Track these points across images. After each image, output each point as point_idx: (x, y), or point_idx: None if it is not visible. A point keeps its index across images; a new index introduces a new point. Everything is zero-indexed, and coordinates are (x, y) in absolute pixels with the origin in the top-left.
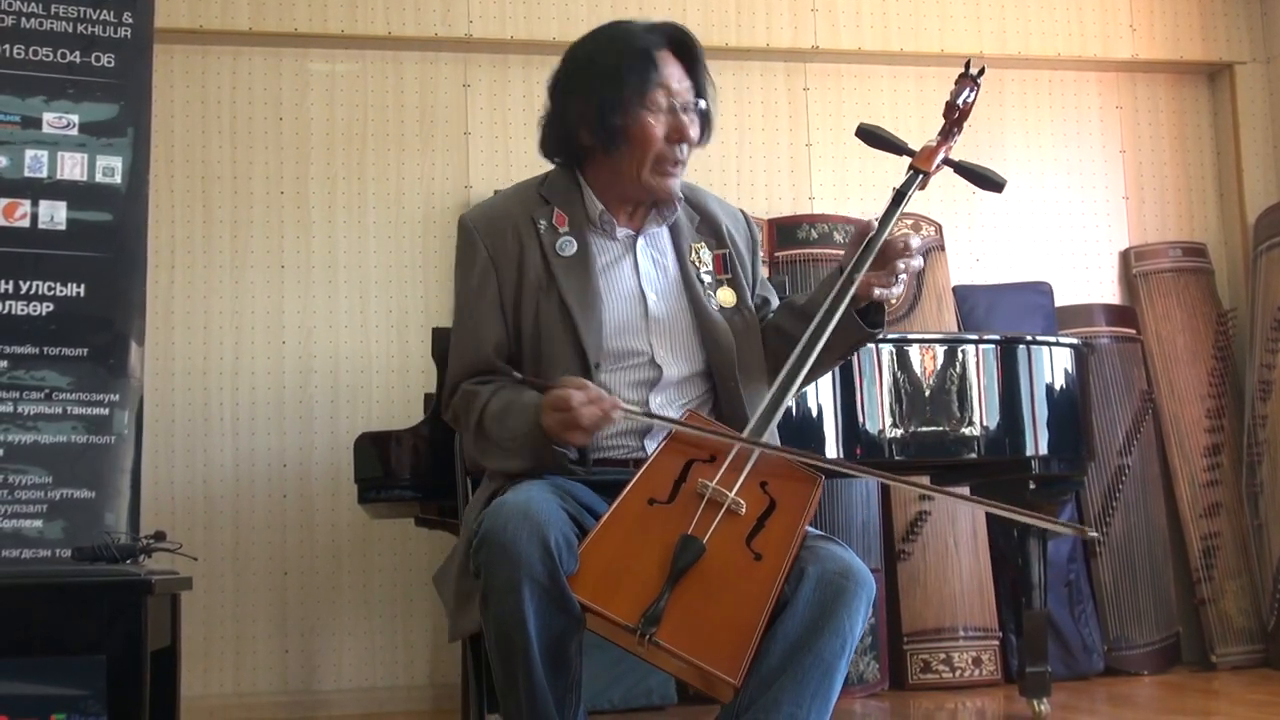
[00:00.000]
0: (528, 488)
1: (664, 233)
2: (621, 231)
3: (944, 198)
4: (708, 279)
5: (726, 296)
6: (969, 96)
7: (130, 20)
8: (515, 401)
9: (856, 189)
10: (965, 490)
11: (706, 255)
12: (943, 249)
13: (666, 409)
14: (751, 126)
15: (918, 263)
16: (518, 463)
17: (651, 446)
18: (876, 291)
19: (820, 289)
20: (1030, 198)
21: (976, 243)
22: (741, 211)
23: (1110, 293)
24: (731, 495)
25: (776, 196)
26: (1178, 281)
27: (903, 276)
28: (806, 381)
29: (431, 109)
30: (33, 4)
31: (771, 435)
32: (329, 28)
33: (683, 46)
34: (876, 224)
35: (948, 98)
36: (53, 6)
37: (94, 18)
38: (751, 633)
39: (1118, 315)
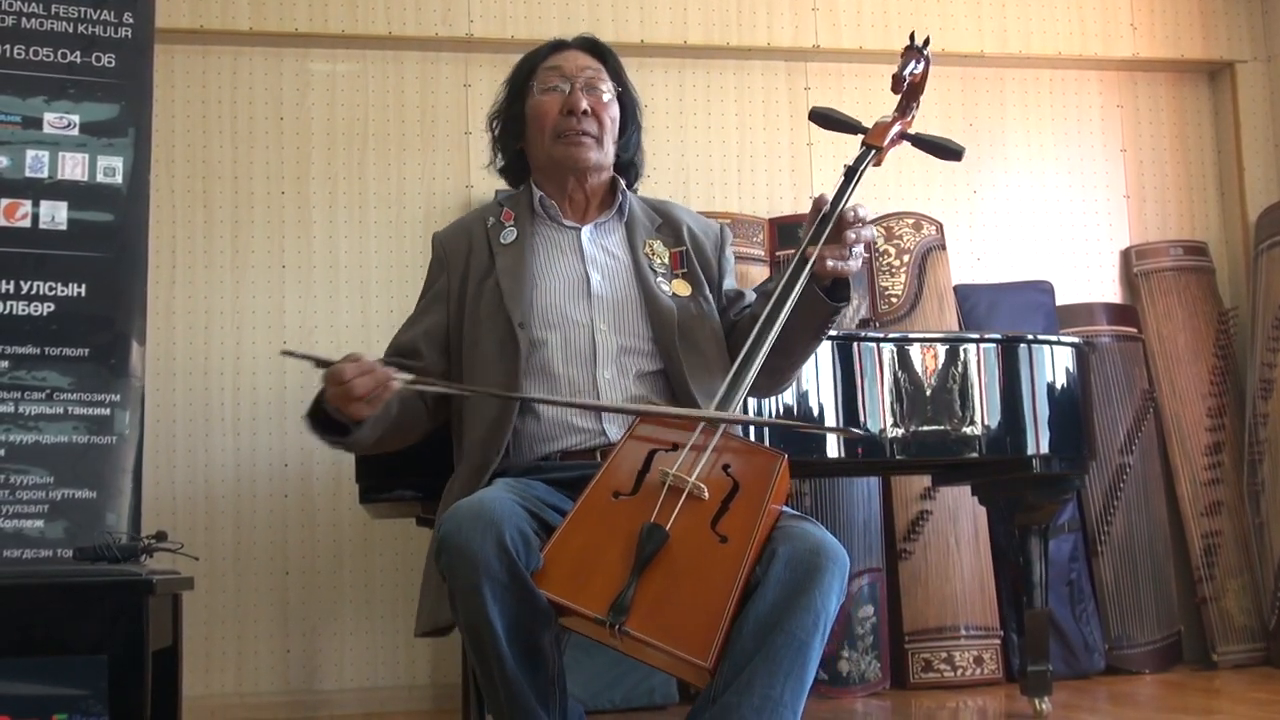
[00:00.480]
0: (484, 490)
1: (618, 228)
2: (568, 222)
3: (945, 196)
4: (661, 270)
5: (680, 287)
6: (915, 68)
7: (131, 20)
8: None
9: (859, 188)
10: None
11: (661, 249)
12: (944, 248)
13: (617, 386)
14: (752, 126)
15: (869, 232)
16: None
17: (612, 428)
18: (830, 264)
19: (783, 269)
20: (1031, 197)
21: (977, 242)
22: (721, 224)
23: (1111, 292)
24: (692, 480)
25: (778, 196)
26: (1179, 280)
27: (857, 249)
28: (788, 366)
29: (432, 109)
30: (33, 4)
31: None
32: (330, 28)
33: (589, 44)
34: (829, 199)
35: (894, 70)
36: (53, 6)
37: (94, 18)
38: (720, 615)
39: (1119, 314)
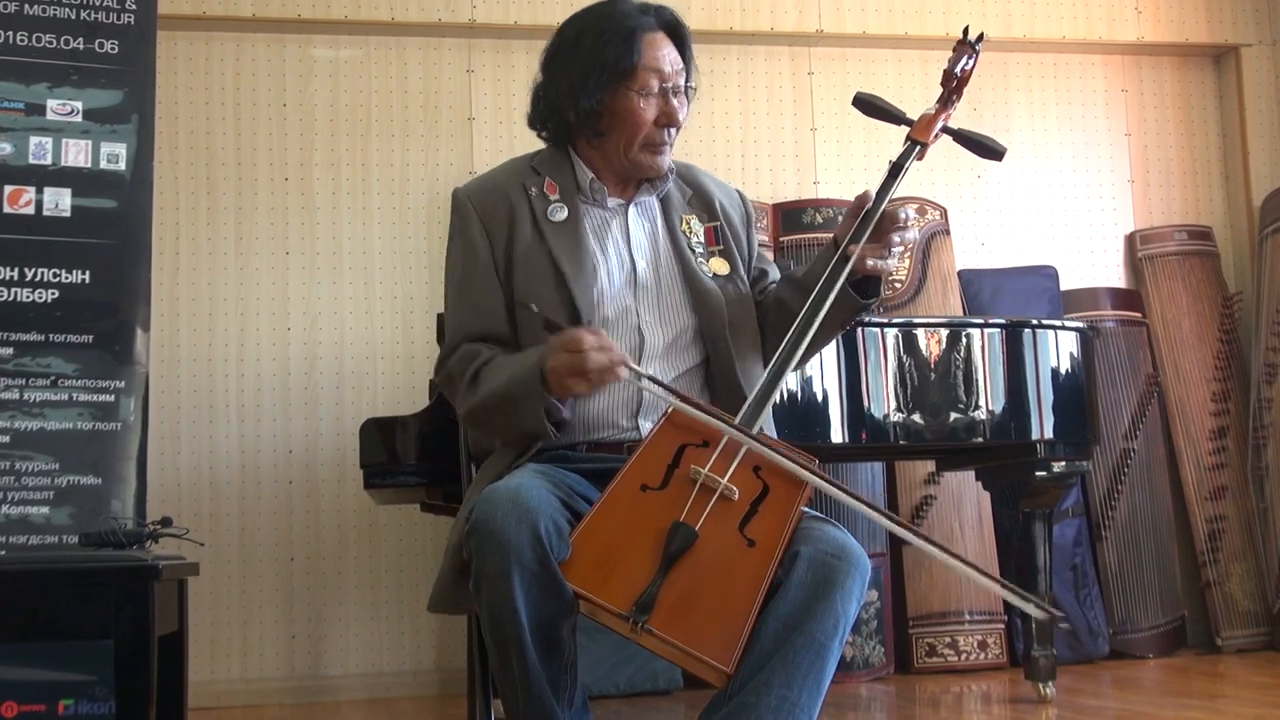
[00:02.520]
0: (518, 475)
1: (654, 204)
2: (612, 201)
3: (949, 181)
4: (699, 249)
5: (719, 265)
6: (967, 64)
7: (133, 6)
8: (518, 356)
9: (861, 173)
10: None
11: (698, 226)
12: (948, 233)
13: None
14: (756, 111)
15: (912, 235)
16: (500, 420)
17: (646, 425)
18: (870, 263)
19: (817, 262)
20: (1035, 181)
21: (981, 226)
22: (737, 190)
23: (1116, 276)
24: (724, 481)
25: (781, 181)
26: (1183, 265)
27: (898, 249)
28: (806, 357)
29: (435, 94)
30: None
31: (766, 420)
32: (332, 13)
33: (674, 27)
34: (873, 196)
35: (945, 65)
36: None
37: (97, 4)
38: (744, 620)
39: (1123, 299)
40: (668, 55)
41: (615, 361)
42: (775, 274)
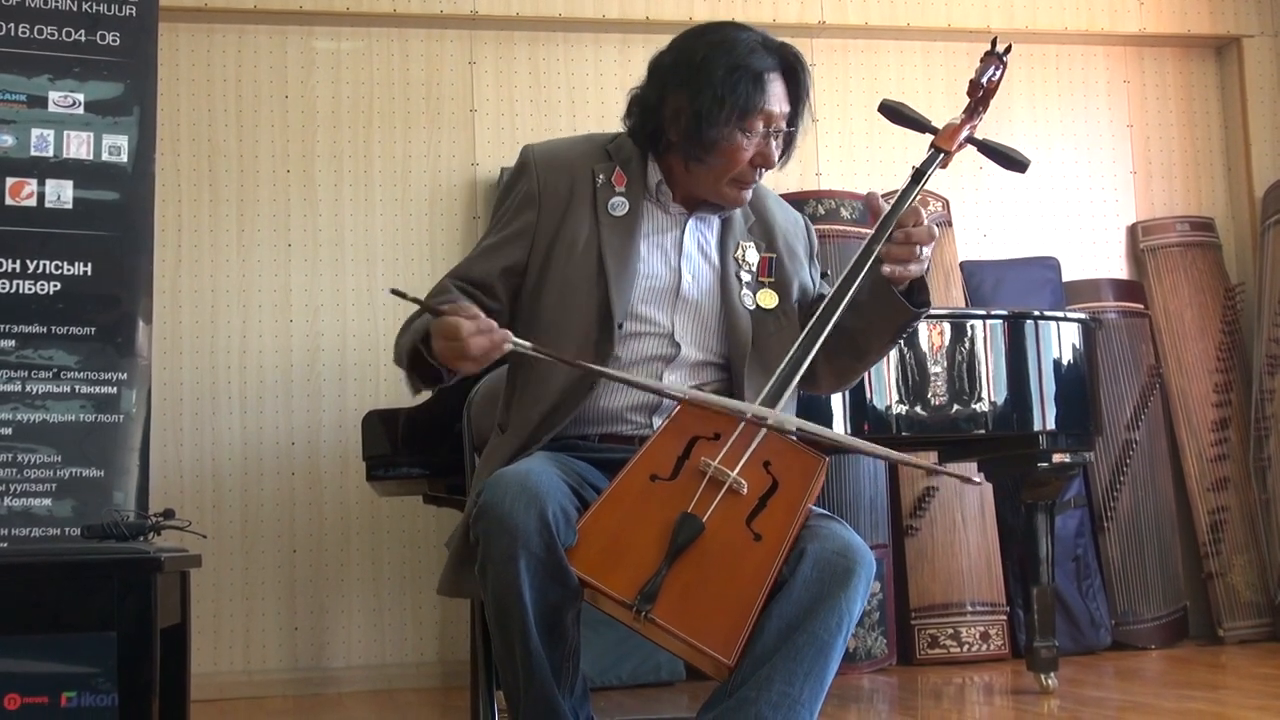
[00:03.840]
0: (528, 461)
1: (715, 223)
2: (675, 208)
3: (951, 173)
4: (747, 278)
5: (766, 299)
6: (994, 75)
7: None
8: (416, 325)
9: (863, 165)
10: (973, 469)
11: (753, 255)
12: (950, 224)
13: (681, 388)
14: None
15: (929, 235)
16: (404, 368)
17: (659, 423)
18: (885, 269)
19: (844, 269)
20: (1037, 173)
21: (984, 218)
22: (804, 218)
23: (1118, 268)
24: (733, 474)
25: (783, 172)
26: (1185, 256)
27: (925, 251)
28: (860, 365)
29: (437, 86)
30: None
31: (788, 409)
32: (334, 5)
33: (793, 71)
34: (879, 199)
35: (973, 75)
36: None
37: None
38: (748, 613)
39: (1125, 290)
40: (778, 96)
41: (497, 342)
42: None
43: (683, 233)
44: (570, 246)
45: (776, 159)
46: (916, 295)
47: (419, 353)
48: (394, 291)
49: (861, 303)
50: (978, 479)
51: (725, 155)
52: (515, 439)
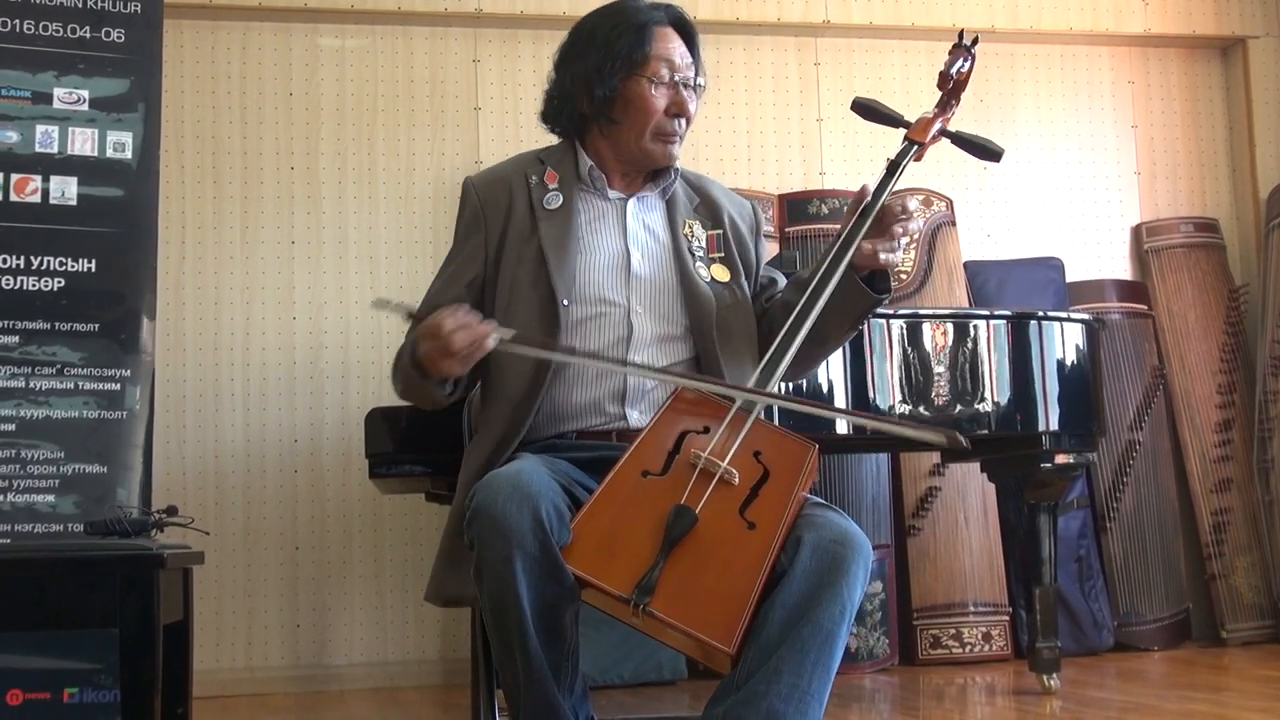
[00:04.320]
0: (519, 461)
1: (659, 204)
2: (613, 193)
3: (955, 172)
4: (699, 253)
5: (719, 272)
6: (963, 66)
7: None
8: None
9: (868, 164)
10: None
11: (700, 232)
12: (954, 224)
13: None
14: (762, 101)
15: (915, 225)
16: (408, 395)
17: (633, 414)
18: (882, 257)
19: (821, 259)
20: (1042, 173)
21: (988, 218)
22: (751, 202)
23: (1122, 268)
24: (724, 465)
25: (787, 172)
26: (1189, 257)
27: (903, 241)
28: (820, 353)
29: (442, 84)
30: None
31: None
32: (339, 3)
33: (683, 25)
34: (872, 191)
35: (941, 68)
36: None
37: None
38: (745, 601)
39: (1129, 291)
40: (678, 48)
41: (480, 336)
42: (784, 282)
43: (624, 214)
44: (515, 248)
45: (693, 110)
46: (879, 283)
47: (410, 388)
48: (378, 302)
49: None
50: (940, 438)
51: (637, 108)
52: (487, 442)
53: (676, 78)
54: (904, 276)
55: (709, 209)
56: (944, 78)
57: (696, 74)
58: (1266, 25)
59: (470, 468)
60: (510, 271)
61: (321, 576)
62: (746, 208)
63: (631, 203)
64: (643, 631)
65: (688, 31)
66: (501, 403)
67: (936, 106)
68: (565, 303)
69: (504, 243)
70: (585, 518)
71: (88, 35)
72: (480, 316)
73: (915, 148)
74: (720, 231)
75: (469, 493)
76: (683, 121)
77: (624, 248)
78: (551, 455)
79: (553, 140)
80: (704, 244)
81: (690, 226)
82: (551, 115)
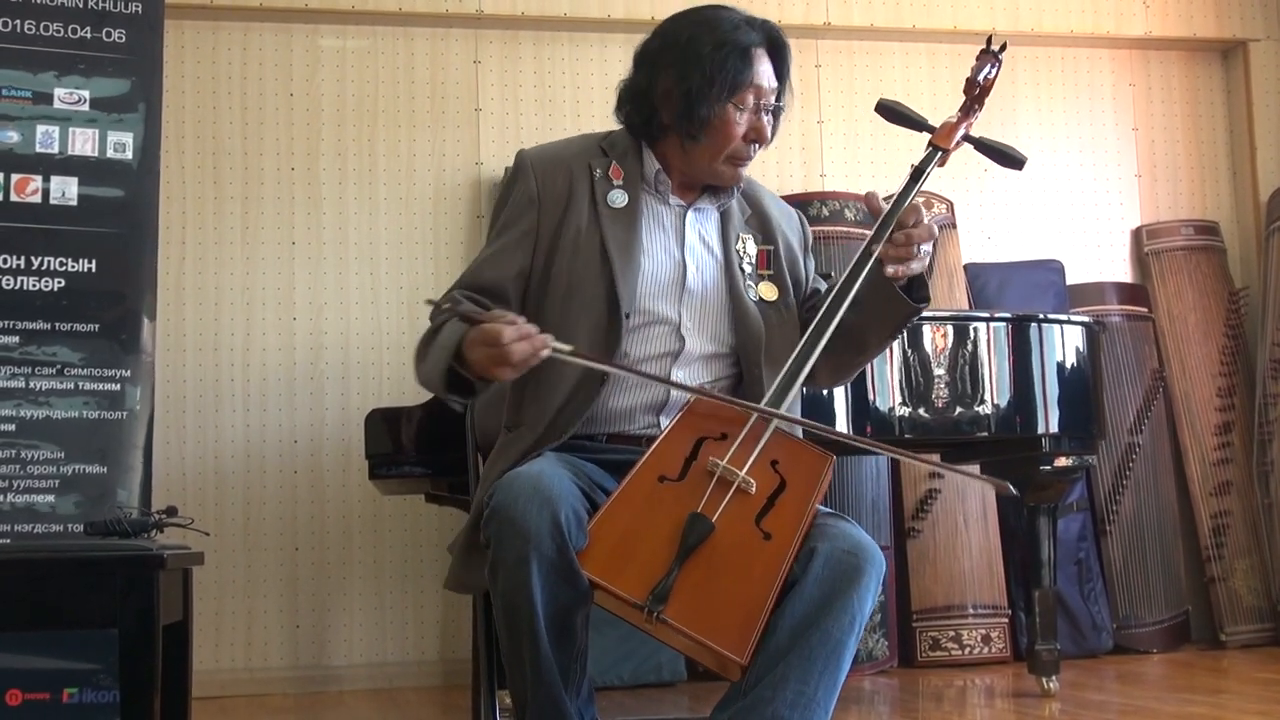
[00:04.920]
0: (540, 462)
1: (714, 215)
2: (674, 199)
3: (955, 175)
4: (749, 269)
5: (767, 290)
6: (990, 72)
7: None
8: (455, 328)
9: (868, 166)
10: (976, 469)
11: (751, 248)
12: (954, 226)
13: (685, 382)
14: None
15: (928, 233)
16: (433, 385)
17: (666, 423)
18: (888, 267)
19: (846, 265)
20: (1042, 175)
21: (988, 220)
22: (798, 213)
23: (1122, 271)
24: (742, 474)
25: (788, 174)
26: (1189, 260)
27: (924, 248)
28: (861, 359)
29: (442, 85)
30: None
31: (794, 407)
32: (340, 3)
33: (778, 47)
34: (880, 197)
35: (968, 74)
36: None
37: None
38: (759, 612)
39: (1129, 293)
40: (768, 73)
41: (537, 348)
42: (823, 288)
43: (684, 224)
44: (573, 243)
45: (770, 136)
46: (916, 291)
47: (439, 385)
48: (429, 302)
49: (862, 300)
50: (1010, 487)
51: (719, 131)
52: (528, 436)
53: (762, 103)
54: (917, 273)
55: (760, 222)
56: (970, 84)
57: (779, 97)
58: (1267, 28)
59: (502, 463)
60: (565, 264)
61: (321, 577)
62: (795, 220)
63: (690, 214)
64: (655, 637)
65: (781, 53)
66: (545, 403)
67: (960, 111)
68: (628, 315)
69: (559, 232)
70: (601, 522)
71: (88, 35)
72: (536, 328)
73: (940, 153)
74: (771, 248)
75: (489, 489)
76: (757, 146)
77: (681, 259)
78: (576, 454)
79: (564, 134)
80: (754, 260)
81: (743, 241)
82: (628, 115)
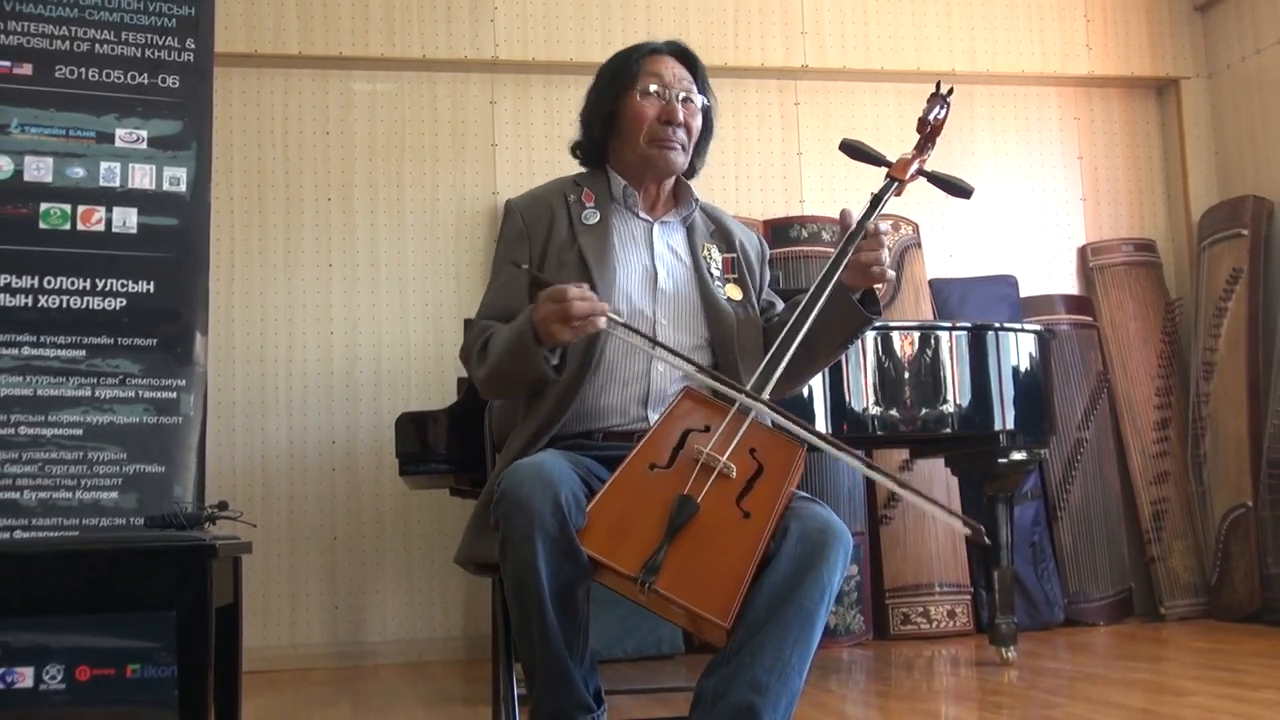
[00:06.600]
0: (543, 454)
1: (680, 230)
2: (643, 215)
3: (920, 200)
4: (717, 273)
5: (733, 291)
6: (939, 113)
7: (193, 45)
8: (524, 315)
9: (843, 192)
10: (956, 505)
11: (717, 255)
12: (920, 246)
13: (667, 378)
14: (748, 137)
15: (885, 255)
16: (509, 377)
17: (654, 416)
18: (847, 275)
19: (816, 276)
20: (998, 199)
21: (950, 240)
22: (756, 233)
23: (1070, 284)
24: (723, 460)
25: (771, 200)
26: (1130, 274)
27: (884, 256)
28: (810, 368)
29: (462, 124)
30: (106, 31)
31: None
32: (370, 51)
33: (680, 52)
34: (854, 217)
35: (920, 114)
36: (123, 34)
37: (160, 43)
38: (740, 582)
39: (1076, 304)
40: (670, 67)
41: (597, 310)
42: (781, 305)
43: (651, 236)
44: (557, 257)
45: (683, 118)
46: (870, 305)
47: (513, 354)
48: (531, 275)
49: (821, 309)
50: (966, 531)
51: (631, 118)
52: (531, 426)
53: (667, 90)
54: (881, 288)
55: (723, 235)
56: (922, 123)
57: (699, 92)
58: (1196, 67)
59: (511, 452)
60: (553, 276)
61: (357, 563)
62: (754, 238)
63: (657, 226)
64: (648, 608)
65: (684, 57)
66: (546, 400)
67: (915, 148)
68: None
69: (546, 253)
70: (599, 505)
71: (145, 81)
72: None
73: (895, 184)
74: (734, 255)
75: (498, 477)
76: (678, 130)
77: (651, 265)
78: (578, 453)
79: (571, 170)
80: (720, 265)
81: (709, 250)
82: (579, 144)
